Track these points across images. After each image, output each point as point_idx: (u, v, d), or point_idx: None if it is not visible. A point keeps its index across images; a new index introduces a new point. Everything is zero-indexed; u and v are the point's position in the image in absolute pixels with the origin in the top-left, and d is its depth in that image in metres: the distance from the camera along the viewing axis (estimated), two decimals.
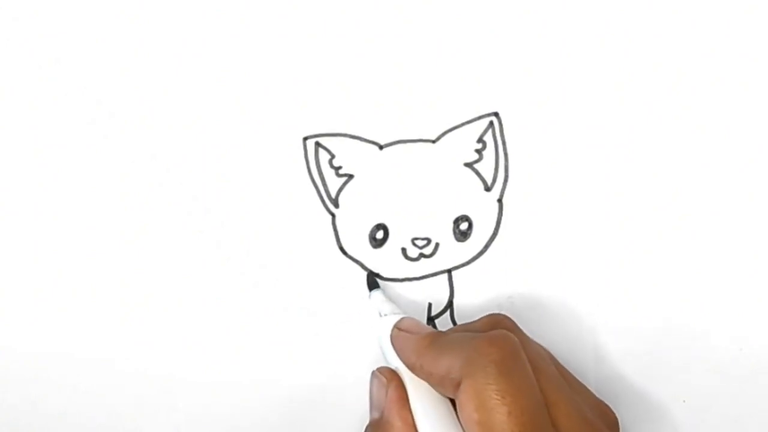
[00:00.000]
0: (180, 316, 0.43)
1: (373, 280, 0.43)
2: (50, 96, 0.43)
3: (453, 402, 0.36)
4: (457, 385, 0.34)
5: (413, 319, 0.40)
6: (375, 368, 0.39)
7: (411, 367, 0.38)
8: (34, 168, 0.43)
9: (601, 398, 0.39)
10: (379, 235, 0.43)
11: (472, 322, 0.40)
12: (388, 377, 0.38)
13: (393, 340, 0.39)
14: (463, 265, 0.43)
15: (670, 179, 0.43)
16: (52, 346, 0.43)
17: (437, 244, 0.43)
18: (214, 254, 0.43)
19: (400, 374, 0.38)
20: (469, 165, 0.43)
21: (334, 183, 0.43)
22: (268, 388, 0.43)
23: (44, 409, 0.44)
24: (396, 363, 0.39)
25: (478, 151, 0.43)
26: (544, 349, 0.39)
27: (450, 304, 0.44)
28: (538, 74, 0.43)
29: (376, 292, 0.42)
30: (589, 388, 0.39)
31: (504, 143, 0.43)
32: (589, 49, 0.43)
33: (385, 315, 0.40)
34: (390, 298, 0.42)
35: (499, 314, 0.39)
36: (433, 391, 0.37)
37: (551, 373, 0.36)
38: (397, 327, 0.39)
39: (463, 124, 0.43)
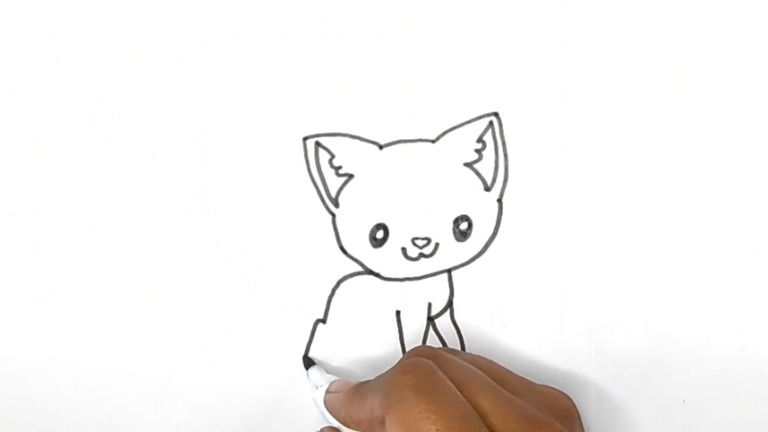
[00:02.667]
0: (180, 316, 0.43)
1: (309, 360, 0.43)
2: (50, 96, 0.43)
3: None
4: (383, 423, 0.35)
5: (342, 380, 0.41)
6: (318, 429, 0.41)
7: (343, 422, 0.39)
8: (34, 168, 0.43)
9: (552, 386, 0.39)
10: (379, 234, 0.43)
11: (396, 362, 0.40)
12: None
13: (326, 404, 0.41)
14: (462, 264, 0.43)
15: (670, 179, 0.43)
16: (52, 346, 0.43)
17: (437, 244, 0.43)
18: (214, 254, 0.43)
19: None
20: (468, 165, 0.43)
21: (334, 183, 0.43)
22: (268, 388, 0.43)
23: (44, 409, 0.44)
24: (337, 425, 0.40)
25: (478, 151, 0.43)
26: (479, 359, 0.39)
27: (450, 304, 0.44)
28: (538, 74, 0.43)
29: (312, 369, 0.43)
30: (532, 380, 0.39)
31: (504, 143, 0.43)
32: (589, 49, 0.43)
33: (321, 386, 0.42)
34: (325, 371, 0.43)
35: (420, 346, 0.41)
36: None
37: (480, 383, 0.36)
38: (328, 391, 0.41)
39: (462, 124, 0.43)
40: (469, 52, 0.43)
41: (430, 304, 0.44)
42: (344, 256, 0.43)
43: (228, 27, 0.43)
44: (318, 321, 0.43)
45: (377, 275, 0.43)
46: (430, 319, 0.44)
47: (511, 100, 0.43)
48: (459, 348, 0.44)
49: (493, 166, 0.43)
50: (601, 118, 0.43)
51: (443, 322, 0.44)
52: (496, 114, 0.43)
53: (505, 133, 0.43)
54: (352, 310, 0.43)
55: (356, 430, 0.38)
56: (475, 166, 0.43)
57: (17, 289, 0.43)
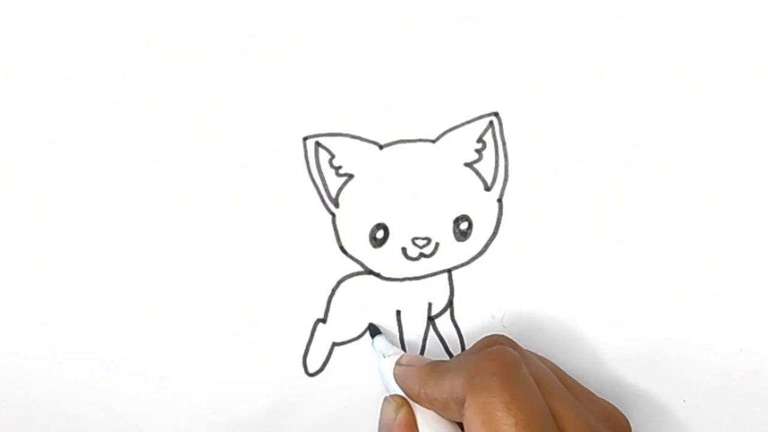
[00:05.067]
0: (180, 316, 0.43)
1: (375, 328, 0.43)
2: (50, 96, 0.43)
3: (461, 427, 0.36)
4: (462, 405, 0.35)
5: (413, 355, 0.41)
6: (387, 395, 0.40)
7: (415, 398, 0.38)
8: (34, 168, 0.43)
9: (610, 402, 0.39)
10: (380, 234, 0.43)
11: (471, 347, 0.40)
12: (398, 402, 0.39)
13: (396, 376, 0.40)
14: (463, 264, 0.43)
15: (670, 179, 0.43)
16: (52, 347, 0.43)
17: (437, 244, 0.43)
18: (214, 254, 0.43)
19: None
20: (469, 165, 0.43)
21: (334, 183, 0.43)
22: (268, 389, 0.43)
23: (44, 409, 0.43)
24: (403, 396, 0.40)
25: (478, 151, 0.43)
26: (547, 361, 0.39)
27: (450, 304, 0.44)
28: (538, 74, 0.43)
29: (378, 338, 0.43)
30: (593, 391, 0.39)
31: (504, 143, 0.43)
32: (590, 49, 0.43)
33: (389, 356, 0.41)
34: (391, 342, 0.43)
35: (495, 335, 0.40)
36: (441, 418, 0.37)
37: (554, 385, 0.36)
38: (399, 363, 0.40)
39: (463, 124, 0.43)
40: (469, 52, 0.43)
41: (430, 304, 0.44)
42: (344, 256, 0.43)
43: (228, 27, 0.43)
44: (318, 321, 0.43)
45: (377, 275, 0.43)
46: (430, 319, 0.44)
47: (511, 100, 0.43)
48: (460, 349, 0.44)
49: (493, 166, 0.43)
50: (601, 118, 0.43)
51: (443, 322, 0.44)
52: (496, 114, 0.43)
53: (505, 133, 0.43)
54: (352, 310, 0.43)
55: (429, 407, 0.38)
56: (475, 166, 0.43)
57: (17, 289, 0.43)
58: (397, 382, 0.40)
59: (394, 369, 0.40)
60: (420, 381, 0.38)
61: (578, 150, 0.43)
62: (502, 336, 0.39)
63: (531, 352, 0.39)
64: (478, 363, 0.35)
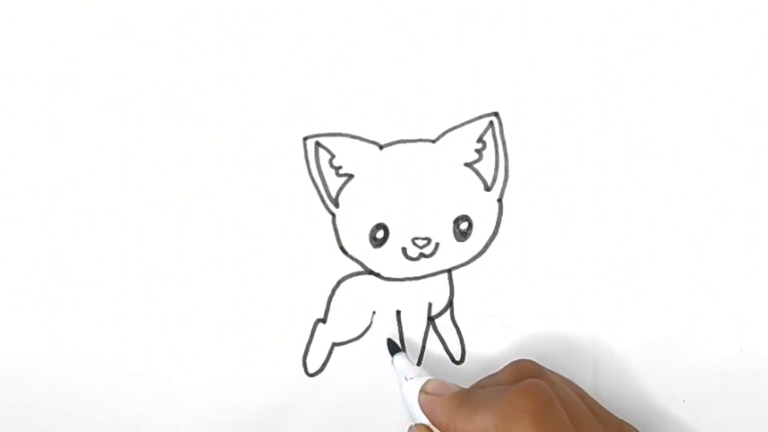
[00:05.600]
0: (180, 316, 0.43)
1: (394, 345, 0.43)
2: (50, 96, 0.43)
3: None
4: None
5: (438, 380, 0.40)
6: (412, 424, 0.39)
7: (444, 430, 0.38)
8: (34, 168, 0.43)
9: (625, 420, 0.39)
10: (380, 234, 0.43)
11: (496, 373, 0.39)
12: None
13: (422, 405, 0.39)
14: (463, 264, 0.43)
15: (670, 179, 0.43)
16: (52, 347, 0.43)
17: (437, 244, 0.43)
18: (214, 254, 0.43)
19: None
20: (469, 165, 0.43)
21: (334, 183, 0.43)
22: (268, 388, 0.43)
23: (44, 409, 0.43)
24: (427, 423, 0.39)
25: (478, 151, 0.43)
26: (572, 384, 0.39)
27: (450, 304, 0.43)
28: (538, 74, 0.43)
29: (398, 357, 0.42)
30: (612, 412, 0.39)
31: (504, 143, 0.43)
32: (590, 49, 0.43)
33: (411, 378, 0.40)
34: (411, 360, 0.42)
35: (523, 361, 0.39)
36: None
37: (583, 414, 0.36)
38: (424, 391, 0.39)
39: (463, 124, 0.43)
40: (469, 52, 0.43)
41: (430, 304, 0.44)
42: (344, 256, 0.43)
43: (228, 28, 0.43)
44: (318, 321, 0.43)
45: (377, 275, 0.43)
46: (430, 319, 0.44)
47: (511, 100, 0.43)
48: (460, 349, 0.44)
49: (493, 166, 0.43)
50: (601, 118, 0.43)
51: (443, 322, 0.44)
52: (496, 114, 0.43)
53: (505, 133, 0.43)
54: (352, 310, 0.43)
55: None
56: (475, 166, 0.43)
57: (18, 289, 0.43)
58: (424, 412, 0.39)
59: (419, 396, 0.39)
60: (450, 414, 0.37)
61: (578, 150, 0.43)
62: (530, 362, 0.39)
63: (557, 376, 0.39)
64: (512, 399, 0.35)
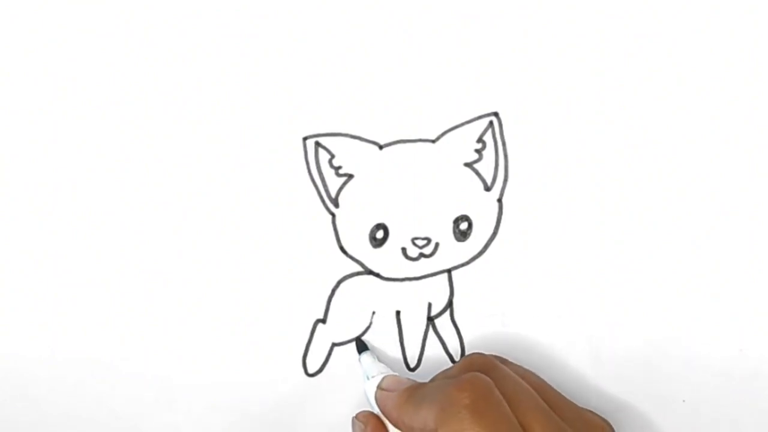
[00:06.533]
0: (180, 316, 0.43)
1: (362, 343, 0.43)
2: (50, 96, 0.43)
3: None
4: None
5: (395, 377, 0.41)
6: (355, 414, 0.41)
7: (394, 423, 0.39)
8: (34, 168, 0.43)
9: (592, 409, 0.39)
10: (379, 234, 0.43)
11: (450, 368, 0.40)
12: (364, 421, 0.40)
13: (377, 400, 0.40)
14: (462, 264, 0.43)
15: (669, 180, 0.43)
16: (52, 347, 0.43)
17: (437, 244, 0.43)
18: (214, 254, 0.43)
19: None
20: (469, 165, 0.43)
21: (334, 183, 0.43)
22: (268, 389, 0.43)
23: (44, 409, 0.44)
24: (386, 420, 0.40)
25: (478, 151, 0.43)
26: (530, 375, 0.39)
27: (450, 304, 0.44)
28: (538, 74, 0.43)
29: (364, 355, 0.43)
30: (575, 402, 0.39)
31: (504, 143, 0.43)
32: (590, 49, 0.43)
33: (373, 377, 0.41)
34: (377, 359, 0.43)
35: (474, 354, 0.40)
36: None
37: (532, 403, 0.36)
38: (380, 387, 0.40)
39: (463, 124, 0.43)
40: (469, 52, 0.43)
41: (430, 304, 0.44)
42: (344, 256, 0.43)
43: (228, 27, 0.43)
44: (318, 321, 0.43)
45: (377, 275, 0.43)
46: (430, 319, 0.44)
47: (511, 100, 0.43)
48: (459, 349, 0.44)
49: (493, 166, 0.43)
50: (601, 118, 0.43)
51: (443, 322, 0.44)
52: (496, 114, 0.43)
53: (505, 133, 0.43)
54: (351, 311, 0.43)
55: None
56: (475, 166, 0.43)
57: (18, 289, 0.43)
58: (378, 407, 0.40)
59: (375, 393, 0.40)
60: (398, 408, 0.38)
61: (578, 150, 0.43)
62: (480, 355, 0.39)
63: (516, 366, 0.40)
64: (449, 394, 0.35)
